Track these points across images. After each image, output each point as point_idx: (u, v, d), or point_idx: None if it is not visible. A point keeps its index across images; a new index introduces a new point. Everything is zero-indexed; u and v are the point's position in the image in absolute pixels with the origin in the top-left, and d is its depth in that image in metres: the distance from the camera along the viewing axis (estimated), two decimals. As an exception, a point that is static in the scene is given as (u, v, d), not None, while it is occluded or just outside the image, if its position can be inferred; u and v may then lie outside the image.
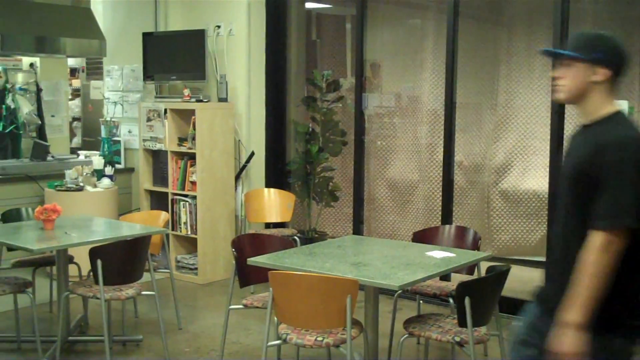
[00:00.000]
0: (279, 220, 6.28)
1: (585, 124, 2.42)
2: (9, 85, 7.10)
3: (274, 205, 6.28)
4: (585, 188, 2.28)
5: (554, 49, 2.45)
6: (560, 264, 2.41)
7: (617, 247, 2.23)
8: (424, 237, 4.51)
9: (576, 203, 2.34)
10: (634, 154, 2.24)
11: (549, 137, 5.05)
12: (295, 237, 5.81)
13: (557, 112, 4.99)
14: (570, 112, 5.45)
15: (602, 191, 2.24)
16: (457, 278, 4.32)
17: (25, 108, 7.11)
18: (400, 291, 3.81)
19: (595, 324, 2.27)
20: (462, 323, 3.42)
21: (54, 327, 4.59)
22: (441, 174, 5.80)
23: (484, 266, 3.97)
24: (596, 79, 2.35)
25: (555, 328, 2.31)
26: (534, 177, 6.40)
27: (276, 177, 6.75)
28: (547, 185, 5.00)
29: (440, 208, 5.80)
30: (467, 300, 3.36)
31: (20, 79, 7.32)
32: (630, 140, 2.27)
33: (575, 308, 2.26)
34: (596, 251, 2.24)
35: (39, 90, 7.32)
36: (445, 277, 4.73)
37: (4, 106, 7.00)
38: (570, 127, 5.66)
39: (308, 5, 7.29)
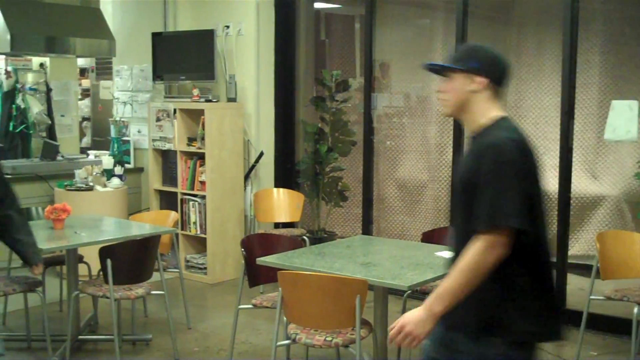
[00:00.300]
0: (288, 220, 6.28)
1: (472, 135, 2.41)
2: (19, 85, 7.14)
3: (283, 205, 6.28)
4: (473, 197, 2.24)
5: (434, 63, 2.45)
6: None
7: (499, 249, 2.19)
8: (433, 237, 4.49)
9: (469, 214, 2.27)
10: (510, 156, 2.21)
11: (558, 137, 5.02)
12: (305, 237, 5.81)
13: (567, 113, 4.96)
14: (580, 112, 5.44)
15: (482, 195, 2.21)
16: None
17: (35, 108, 7.15)
18: (409, 291, 3.80)
19: (481, 328, 2.27)
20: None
21: (64, 326, 4.60)
22: (450, 174, 5.79)
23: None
24: (474, 88, 2.36)
25: (417, 308, 2.30)
26: (543, 178, 6.35)
27: (285, 177, 6.75)
28: (556, 186, 4.97)
29: (449, 208, 5.78)
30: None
31: (30, 78, 7.36)
32: (506, 142, 2.25)
33: (435, 297, 2.26)
34: (474, 249, 2.20)
35: (48, 90, 7.37)
36: (454, 277, 4.71)
37: (14, 106, 7.04)
38: (579, 127, 5.65)
39: (317, 5, 7.29)
